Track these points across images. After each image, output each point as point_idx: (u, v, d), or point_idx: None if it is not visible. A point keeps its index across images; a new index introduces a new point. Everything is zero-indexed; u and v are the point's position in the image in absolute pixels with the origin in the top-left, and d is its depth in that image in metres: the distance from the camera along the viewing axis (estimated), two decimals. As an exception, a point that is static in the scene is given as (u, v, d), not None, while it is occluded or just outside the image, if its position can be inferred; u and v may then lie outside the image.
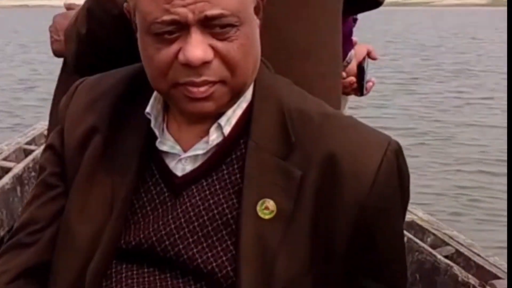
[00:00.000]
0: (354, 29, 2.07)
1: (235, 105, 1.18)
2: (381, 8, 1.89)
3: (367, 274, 1.17)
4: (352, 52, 2.07)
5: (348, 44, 2.02)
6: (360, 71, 2.11)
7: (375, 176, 1.14)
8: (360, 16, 2.10)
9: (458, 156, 8.89)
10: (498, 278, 2.52)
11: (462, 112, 12.37)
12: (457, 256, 2.75)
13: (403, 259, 1.22)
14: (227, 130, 1.17)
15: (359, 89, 2.13)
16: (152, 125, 1.20)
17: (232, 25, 1.11)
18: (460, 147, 9.44)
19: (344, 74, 2.07)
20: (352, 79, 2.11)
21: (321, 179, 1.14)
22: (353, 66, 2.10)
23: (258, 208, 1.13)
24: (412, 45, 29.48)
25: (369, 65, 2.20)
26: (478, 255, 2.72)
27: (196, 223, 1.15)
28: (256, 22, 1.17)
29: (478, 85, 15.99)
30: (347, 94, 2.17)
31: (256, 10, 1.17)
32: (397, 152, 1.17)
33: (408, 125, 10.85)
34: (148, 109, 1.20)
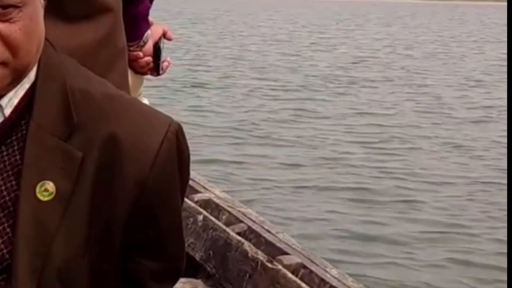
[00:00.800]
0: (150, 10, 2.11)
1: (18, 86, 1.17)
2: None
3: (143, 253, 1.22)
4: (148, 32, 2.10)
5: (145, 24, 2.05)
6: (156, 50, 2.15)
7: (155, 157, 1.17)
8: None
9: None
10: (286, 254, 2.67)
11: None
12: (249, 233, 2.88)
13: (181, 237, 1.27)
14: (8, 111, 1.16)
15: (156, 68, 2.17)
16: None
17: (14, 6, 1.10)
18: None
19: (140, 54, 2.10)
20: (149, 59, 2.14)
21: (102, 159, 1.16)
22: (149, 46, 2.13)
23: (37, 190, 1.14)
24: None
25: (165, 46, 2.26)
26: (269, 231, 2.86)
27: None
28: (40, 2, 1.17)
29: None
30: (144, 74, 2.21)
31: None
32: (178, 133, 1.21)
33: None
34: None
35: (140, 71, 2.17)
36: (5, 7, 1.09)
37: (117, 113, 1.19)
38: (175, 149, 1.20)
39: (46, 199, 1.14)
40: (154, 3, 2.31)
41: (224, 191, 3.43)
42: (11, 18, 1.10)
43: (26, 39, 1.12)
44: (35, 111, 1.17)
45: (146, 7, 2.00)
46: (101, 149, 1.16)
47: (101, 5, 1.69)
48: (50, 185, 1.14)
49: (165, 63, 2.21)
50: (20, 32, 1.11)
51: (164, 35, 2.21)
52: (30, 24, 1.13)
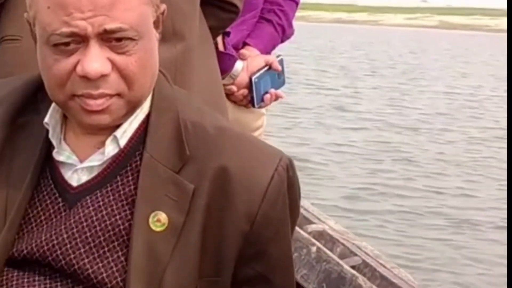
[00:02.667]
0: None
1: (132, 117, 1.20)
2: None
3: (253, 286, 1.20)
4: (238, 65, 2.10)
5: (225, 58, 2.02)
6: (250, 83, 2.14)
7: (266, 191, 1.17)
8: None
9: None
10: (401, 288, 2.60)
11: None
12: (364, 267, 2.82)
13: (291, 272, 1.25)
14: (123, 142, 1.19)
15: (251, 101, 2.17)
16: (50, 135, 1.20)
17: (131, 39, 1.13)
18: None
19: (234, 87, 2.11)
20: (245, 91, 2.15)
21: (213, 192, 1.16)
22: (242, 79, 2.13)
23: (150, 220, 1.15)
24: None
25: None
26: (384, 266, 2.79)
27: (88, 234, 1.16)
28: (155, 35, 1.19)
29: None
30: (246, 106, 2.20)
31: (156, 24, 1.19)
32: (288, 168, 1.20)
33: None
34: (46, 119, 1.21)
35: (240, 104, 2.17)
36: (122, 40, 1.12)
37: (228, 147, 1.19)
38: (286, 183, 1.19)
39: (158, 229, 1.15)
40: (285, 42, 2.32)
41: (338, 223, 3.39)
42: (127, 51, 1.13)
43: (141, 72, 1.14)
44: (149, 143, 1.18)
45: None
46: (212, 182, 1.16)
47: (174, 30, 1.67)
48: (163, 216, 1.15)
49: (267, 96, 2.18)
50: (135, 64, 1.14)
51: (270, 66, 2.19)
52: (145, 56, 1.15)
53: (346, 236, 3.14)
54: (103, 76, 1.12)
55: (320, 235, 3.13)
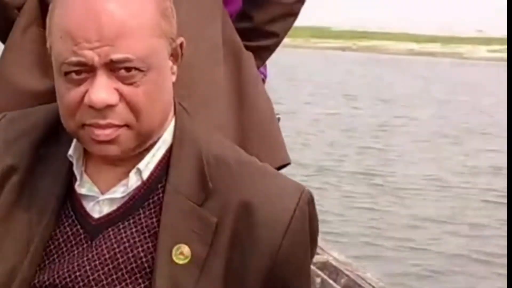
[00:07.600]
0: None
1: (155, 149, 1.20)
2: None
3: None
4: None
5: None
6: None
7: (288, 226, 1.18)
8: None
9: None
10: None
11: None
12: (369, 298, 2.83)
13: None
14: (145, 174, 1.20)
15: None
16: (74, 167, 1.21)
17: (138, 70, 1.13)
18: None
19: None
20: None
21: (236, 227, 1.17)
22: None
23: (173, 253, 1.16)
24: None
25: None
26: (388, 297, 2.80)
27: (110, 266, 1.17)
28: (170, 68, 1.20)
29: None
30: None
31: (174, 57, 1.21)
32: (309, 202, 1.21)
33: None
34: (70, 151, 1.22)
35: None
36: (129, 70, 1.13)
37: (251, 180, 1.20)
38: (307, 218, 1.20)
39: (181, 262, 1.15)
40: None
41: (342, 254, 3.39)
42: (135, 82, 1.14)
43: (149, 104, 1.15)
44: (171, 176, 1.19)
45: None
46: (235, 216, 1.17)
47: None
48: (186, 249, 1.16)
49: None
50: (143, 96, 1.14)
51: None
52: (154, 89, 1.16)
53: (349, 267, 3.15)
54: (110, 107, 1.13)
55: (324, 266, 3.14)
